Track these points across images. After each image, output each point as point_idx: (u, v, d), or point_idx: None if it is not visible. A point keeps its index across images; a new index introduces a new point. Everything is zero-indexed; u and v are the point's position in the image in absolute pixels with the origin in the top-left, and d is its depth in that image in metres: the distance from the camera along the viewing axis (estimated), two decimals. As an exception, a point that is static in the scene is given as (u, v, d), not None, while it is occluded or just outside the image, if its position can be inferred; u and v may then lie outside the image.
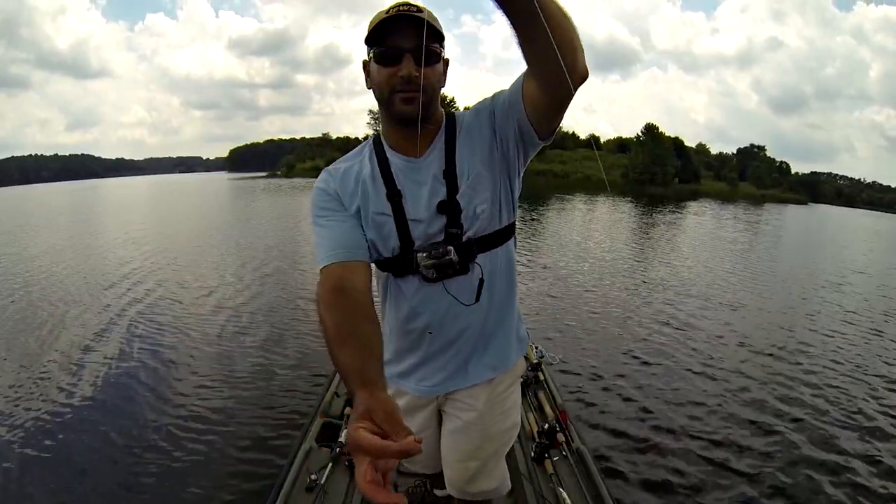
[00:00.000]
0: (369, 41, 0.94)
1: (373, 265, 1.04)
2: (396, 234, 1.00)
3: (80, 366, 4.21)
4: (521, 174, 1.06)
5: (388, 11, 0.90)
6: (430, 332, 1.08)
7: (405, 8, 0.89)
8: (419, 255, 0.99)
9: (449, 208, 0.99)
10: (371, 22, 0.93)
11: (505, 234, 1.06)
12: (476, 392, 1.15)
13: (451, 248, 0.98)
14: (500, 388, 1.17)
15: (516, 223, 1.11)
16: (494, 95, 1.01)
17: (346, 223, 0.99)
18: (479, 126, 1.01)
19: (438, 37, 0.94)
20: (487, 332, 1.11)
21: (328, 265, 0.93)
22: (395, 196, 1.00)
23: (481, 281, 1.03)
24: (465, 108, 1.08)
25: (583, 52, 0.77)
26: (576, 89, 0.79)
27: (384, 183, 1.00)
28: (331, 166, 1.07)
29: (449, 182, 0.99)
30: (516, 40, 0.75)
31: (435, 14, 0.94)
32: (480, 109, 1.02)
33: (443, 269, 0.99)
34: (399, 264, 1.03)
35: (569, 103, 0.87)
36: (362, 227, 1.01)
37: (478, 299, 1.05)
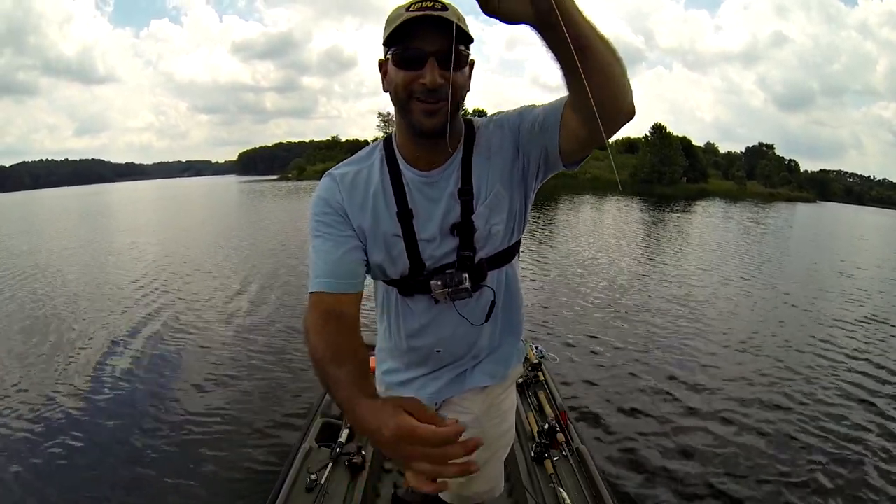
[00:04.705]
0: (388, 42, 0.84)
1: (374, 281, 1.03)
2: (406, 255, 0.95)
3: (82, 365, 4.25)
4: (535, 192, 1.02)
5: (409, 8, 0.81)
6: (438, 351, 1.07)
7: (429, 4, 0.80)
8: (433, 283, 0.96)
9: (463, 230, 0.94)
10: (389, 20, 0.84)
11: (514, 251, 1.04)
12: (472, 396, 1.14)
13: (465, 275, 0.94)
14: (497, 392, 1.17)
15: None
16: (523, 111, 0.94)
17: (346, 244, 0.92)
18: (500, 141, 0.94)
19: (466, 38, 0.83)
20: (492, 346, 1.11)
21: (318, 292, 0.88)
22: (406, 215, 0.93)
23: (492, 304, 1.02)
24: (479, 112, 1.01)
25: (631, 90, 0.73)
26: (620, 127, 0.76)
27: (395, 200, 0.93)
28: (336, 170, 0.98)
29: (465, 201, 0.93)
30: (561, 73, 0.70)
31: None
32: (504, 123, 0.95)
33: (456, 295, 0.97)
34: (408, 285, 1.00)
35: (610, 138, 0.80)
36: (365, 248, 0.95)
37: (487, 320, 1.04)
